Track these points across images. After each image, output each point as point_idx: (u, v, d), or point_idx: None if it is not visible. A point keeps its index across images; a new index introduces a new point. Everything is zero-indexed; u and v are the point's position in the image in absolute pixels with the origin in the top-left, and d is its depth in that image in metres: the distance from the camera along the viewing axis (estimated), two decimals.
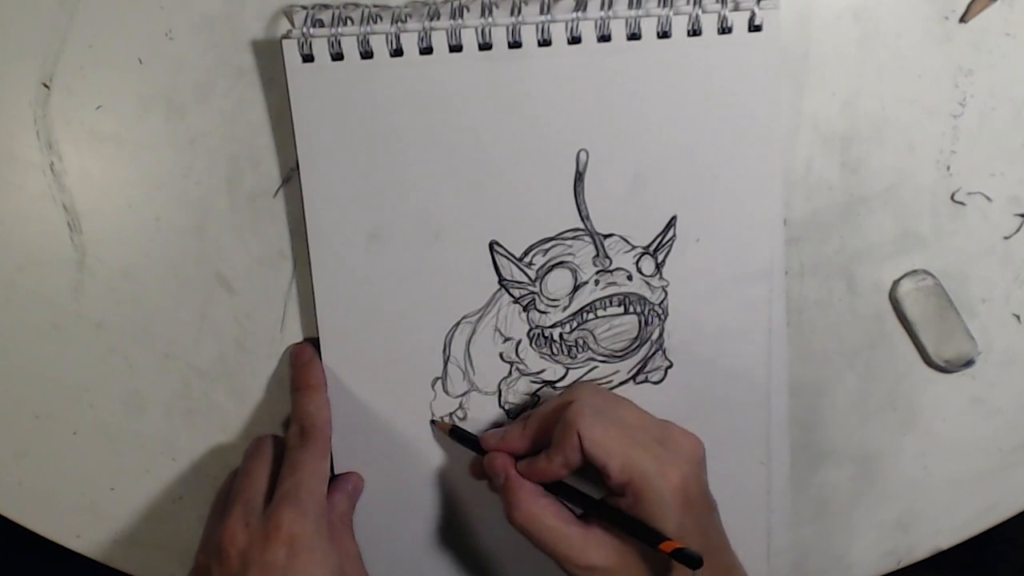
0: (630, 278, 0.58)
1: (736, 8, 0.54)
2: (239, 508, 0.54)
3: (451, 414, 0.60)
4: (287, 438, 0.57)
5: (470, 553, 0.62)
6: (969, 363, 0.60)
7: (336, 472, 0.60)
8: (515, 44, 0.54)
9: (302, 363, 0.59)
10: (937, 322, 0.60)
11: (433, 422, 0.60)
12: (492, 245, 0.57)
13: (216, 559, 0.53)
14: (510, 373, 0.59)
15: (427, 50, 0.54)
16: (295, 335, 0.60)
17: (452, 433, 0.59)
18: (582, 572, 0.53)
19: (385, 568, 0.61)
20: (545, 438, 0.55)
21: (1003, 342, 0.61)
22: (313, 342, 0.59)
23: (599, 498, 0.55)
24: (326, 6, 0.54)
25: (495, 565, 0.63)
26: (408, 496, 0.61)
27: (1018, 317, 0.61)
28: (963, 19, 0.57)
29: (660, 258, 0.57)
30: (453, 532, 0.62)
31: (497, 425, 0.60)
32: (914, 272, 0.60)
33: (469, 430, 0.59)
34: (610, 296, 0.58)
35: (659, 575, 0.52)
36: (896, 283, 0.60)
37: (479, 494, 0.60)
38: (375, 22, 0.54)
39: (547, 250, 0.57)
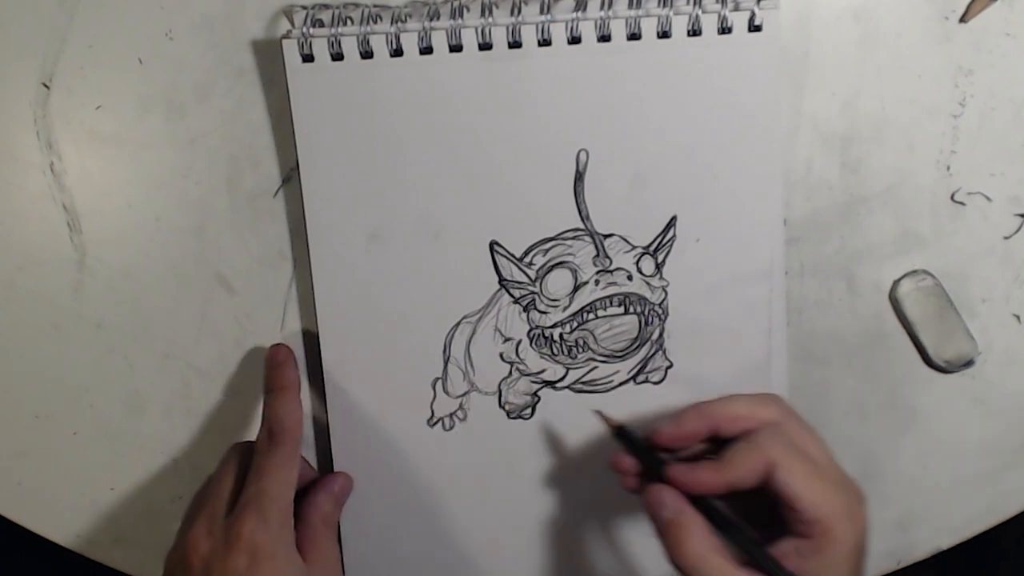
0: (630, 278, 0.58)
1: (736, 8, 0.54)
2: (204, 515, 0.53)
3: (452, 414, 0.60)
4: (256, 442, 0.56)
5: (470, 553, 0.62)
6: (969, 363, 0.60)
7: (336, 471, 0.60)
8: (515, 44, 0.54)
9: (276, 364, 0.58)
10: (937, 322, 0.60)
11: (599, 412, 0.55)
12: (492, 245, 0.57)
13: (180, 567, 0.52)
14: (510, 373, 0.59)
15: (427, 50, 0.54)
16: (295, 335, 0.60)
17: (618, 434, 0.55)
18: None
19: (384, 568, 0.61)
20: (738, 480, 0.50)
21: (1003, 342, 0.61)
22: (315, 340, 0.59)
23: (765, 544, 0.49)
24: (326, 6, 0.54)
25: (495, 565, 0.62)
26: (407, 496, 0.61)
27: (1018, 317, 0.61)
28: (963, 19, 0.57)
29: (660, 258, 0.57)
30: (452, 532, 0.62)
31: (496, 428, 0.60)
32: (914, 272, 0.60)
33: (467, 436, 0.59)
34: (610, 296, 0.58)
35: None
36: (896, 283, 0.60)
37: (480, 497, 0.61)
38: (375, 22, 0.54)
39: (547, 250, 0.57)
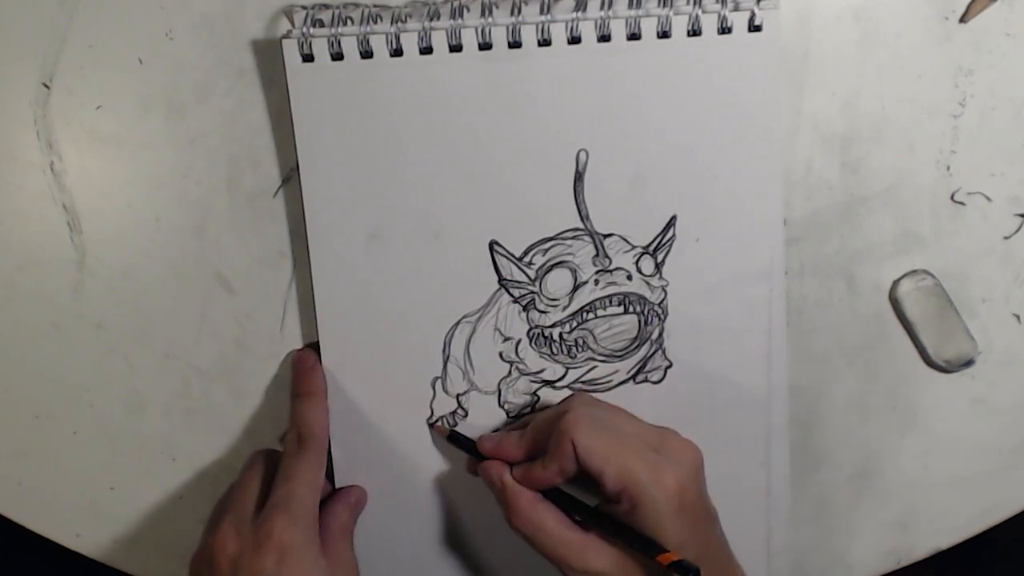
0: (630, 278, 0.58)
1: (736, 8, 0.54)
2: (230, 517, 0.54)
3: (451, 413, 0.60)
4: (284, 444, 0.57)
5: (470, 554, 0.62)
6: (969, 363, 0.60)
7: (337, 477, 0.60)
8: (515, 44, 0.54)
9: (305, 369, 0.59)
10: (937, 322, 0.60)
11: (431, 425, 0.60)
12: (492, 245, 0.57)
13: (207, 567, 0.53)
14: (510, 373, 0.59)
15: (427, 50, 0.54)
16: (295, 335, 0.60)
17: (450, 438, 0.59)
18: None
19: (383, 566, 0.61)
20: (542, 446, 0.55)
21: (1003, 342, 0.61)
22: (315, 347, 0.59)
23: (595, 506, 0.55)
24: (326, 6, 0.54)
25: (496, 565, 0.63)
26: (407, 496, 0.61)
27: (1018, 317, 0.61)
28: (963, 19, 0.57)
29: (660, 258, 0.57)
30: (453, 533, 0.62)
31: (496, 428, 0.60)
32: (914, 272, 0.60)
33: (468, 434, 0.59)
34: (610, 296, 0.58)
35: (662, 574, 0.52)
36: (896, 283, 0.60)
37: (479, 495, 0.60)
38: (375, 22, 0.54)
39: (547, 250, 0.57)
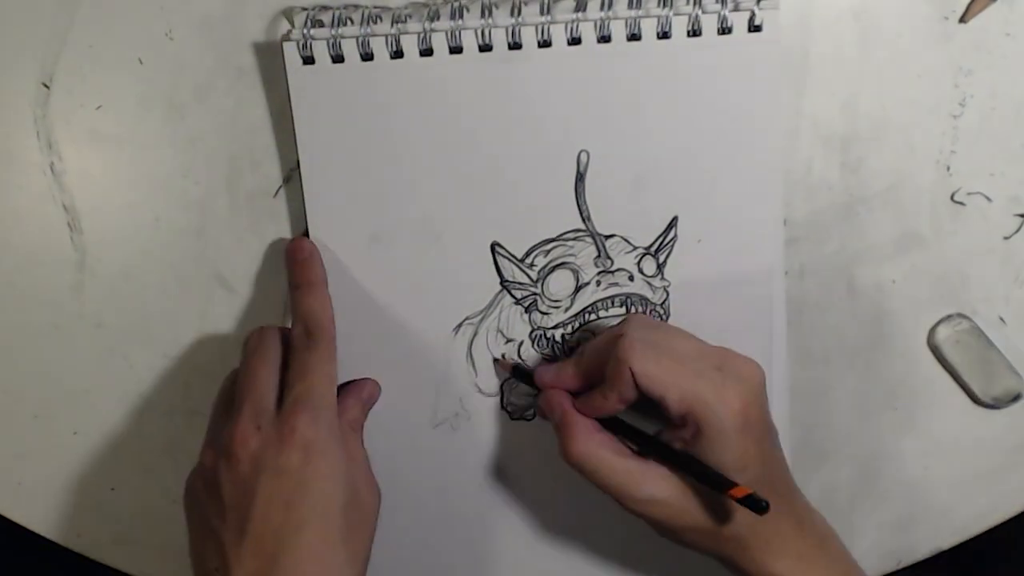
0: (631, 279, 0.58)
1: (736, 8, 0.54)
2: (248, 409, 0.52)
3: (454, 416, 0.60)
4: (292, 338, 0.55)
5: (472, 554, 0.62)
6: (1017, 398, 0.61)
7: None
8: (515, 45, 0.54)
9: (301, 259, 0.57)
10: (980, 364, 0.60)
11: (496, 360, 0.59)
12: (494, 246, 0.57)
13: (225, 460, 0.52)
14: (511, 374, 0.59)
15: (427, 52, 0.54)
16: None
17: (514, 372, 0.58)
18: (641, 505, 0.52)
19: (387, 568, 0.61)
20: (599, 374, 0.54)
21: (1000, 343, 0.61)
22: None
23: (655, 433, 0.53)
24: (326, 7, 0.54)
25: (497, 565, 0.63)
26: (409, 497, 0.61)
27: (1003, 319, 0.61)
28: (963, 19, 0.57)
29: (661, 259, 0.58)
30: (455, 533, 0.62)
31: (497, 431, 0.60)
32: (949, 317, 0.60)
33: (472, 437, 0.59)
34: (612, 297, 0.58)
35: (720, 507, 0.51)
36: (933, 330, 0.60)
37: (481, 496, 0.61)
38: (375, 23, 0.54)
39: (548, 251, 0.57)
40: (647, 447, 0.53)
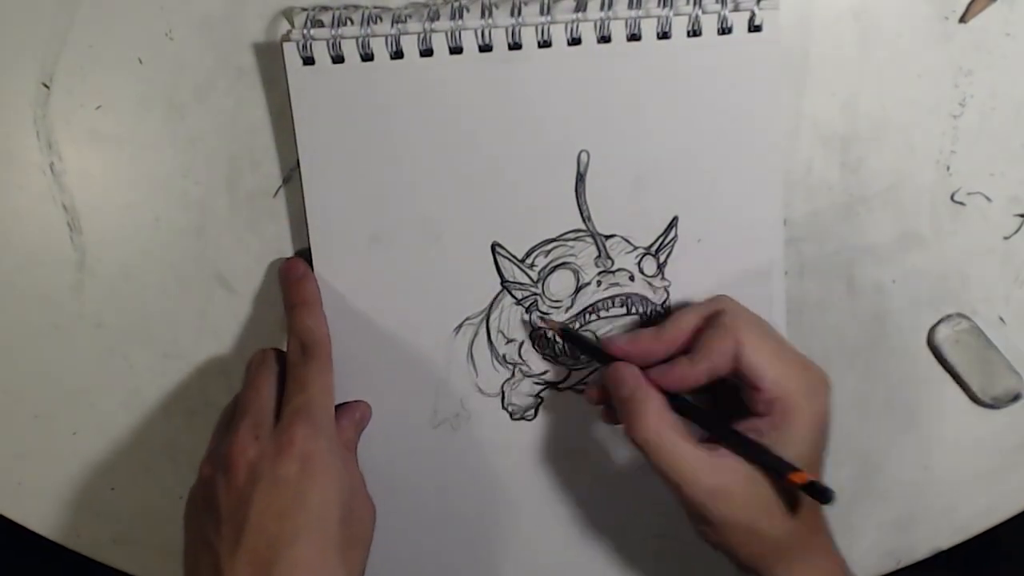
0: (632, 279, 0.58)
1: (736, 8, 0.54)
2: (248, 421, 0.53)
3: (454, 416, 0.60)
4: (288, 354, 0.56)
5: (473, 555, 0.62)
6: (1017, 398, 0.61)
7: None
8: (515, 46, 0.54)
9: (295, 278, 0.57)
10: (980, 363, 0.60)
11: (543, 318, 0.58)
12: (494, 247, 0.57)
13: (223, 471, 0.52)
14: (513, 375, 0.59)
15: (427, 52, 0.54)
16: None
17: (565, 334, 0.57)
18: (705, 495, 0.50)
19: (387, 568, 0.61)
20: (681, 349, 0.53)
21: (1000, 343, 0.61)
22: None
23: (727, 419, 0.52)
24: (326, 8, 0.54)
25: (498, 566, 0.63)
26: (410, 498, 0.61)
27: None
28: (963, 19, 0.57)
29: (662, 259, 0.58)
30: (455, 534, 0.62)
31: (499, 432, 0.60)
32: (949, 317, 0.60)
33: (472, 438, 0.59)
34: (612, 297, 0.58)
35: (785, 504, 0.51)
36: (932, 330, 0.60)
37: (482, 496, 0.61)
38: (375, 23, 0.54)
39: (549, 251, 0.57)
40: (715, 430, 0.52)
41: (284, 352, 0.57)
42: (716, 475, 0.50)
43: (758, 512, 0.50)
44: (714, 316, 0.52)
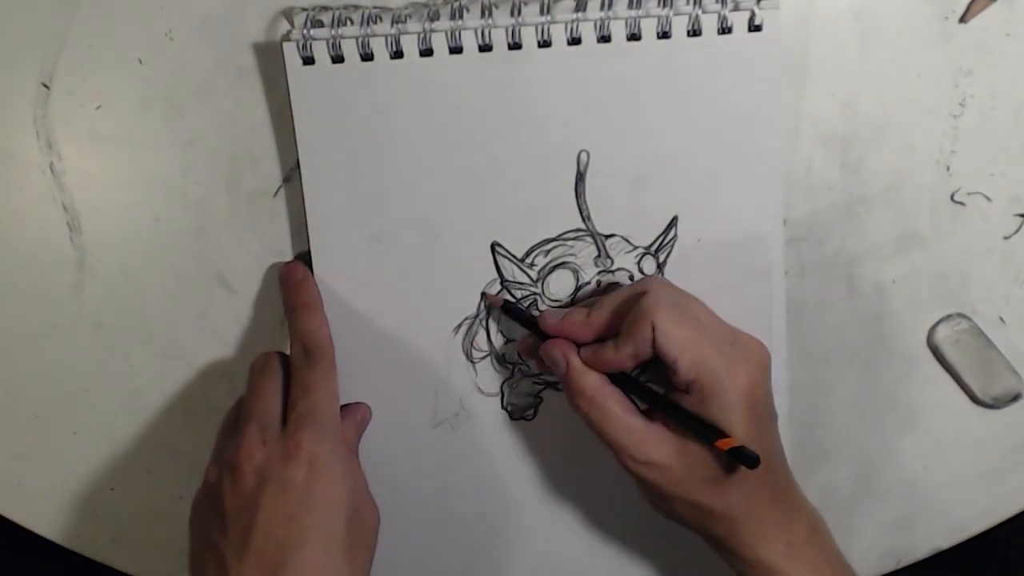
0: (632, 278, 0.58)
1: (736, 8, 0.54)
2: (254, 425, 0.53)
3: (454, 416, 0.60)
4: (292, 358, 0.56)
5: (472, 554, 0.62)
6: (1017, 398, 0.61)
7: None
8: (515, 45, 0.54)
9: (295, 282, 0.57)
10: (979, 363, 0.60)
11: (484, 294, 0.58)
12: (494, 246, 0.57)
13: (229, 475, 0.52)
14: (512, 374, 0.59)
15: (427, 52, 0.54)
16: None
17: (505, 308, 0.58)
18: (639, 467, 0.52)
19: (387, 568, 0.61)
20: (612, 328, 0.53)
21: (998, 344, 0.61)
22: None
23: (663, 393, 0.53)
24: (326, 7, 0.54)
25: (498, 566, 0.63)
26: (410, 497, 0.61)
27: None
28: (963, 19, 0.57)
29: (662, 258, 0.58)
30: (455, 533, 0.62)
31: (499, 431, 0.60)
32: (949, 317, 0.60)
33: (471, 438, 0.59)
34: None
35: (717, 476, 0.51)
36: (932, 330, 0.60)
37: (482, 496, 0.61)
38: (375, 23, 0.54)
39: (548, 251, 0.57)
40: (650, 402, 0.53)
41: (287, 355, 0.57)
42: (650, 447, 0.51)
43: (696, 483, 0.51)
44: (635, 299, 0.52)
